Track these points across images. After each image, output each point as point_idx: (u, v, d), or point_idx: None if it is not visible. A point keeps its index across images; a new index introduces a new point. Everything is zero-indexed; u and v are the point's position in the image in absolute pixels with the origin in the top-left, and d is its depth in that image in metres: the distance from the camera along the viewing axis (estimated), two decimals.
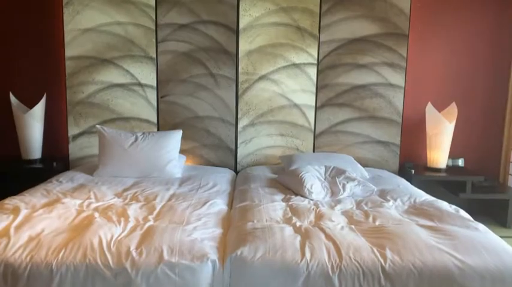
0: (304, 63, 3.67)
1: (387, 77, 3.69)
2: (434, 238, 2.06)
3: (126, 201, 2.60)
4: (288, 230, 2.12)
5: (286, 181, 2.98)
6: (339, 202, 2.68)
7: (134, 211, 2.39)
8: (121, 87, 3.64)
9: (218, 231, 2.17)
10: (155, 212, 2.38)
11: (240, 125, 3.70)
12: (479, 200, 3.59)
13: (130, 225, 2.17)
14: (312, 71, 3.68)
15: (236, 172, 3.69)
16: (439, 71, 3.86)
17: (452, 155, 3.77)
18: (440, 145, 3.63)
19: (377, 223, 2.28)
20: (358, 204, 2.66)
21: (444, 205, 2.56)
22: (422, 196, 2.76)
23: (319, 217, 2.35)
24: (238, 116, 3.69)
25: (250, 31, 3.60)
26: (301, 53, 3.65)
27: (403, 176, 3.55)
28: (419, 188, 3.13)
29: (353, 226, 2.24)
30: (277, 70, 3.67)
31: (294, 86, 3.69)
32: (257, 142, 3.74)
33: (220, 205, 2.59)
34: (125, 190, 2.81)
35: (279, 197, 2.75)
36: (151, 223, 2.21)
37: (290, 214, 2.40)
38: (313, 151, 3.78)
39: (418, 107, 3.84)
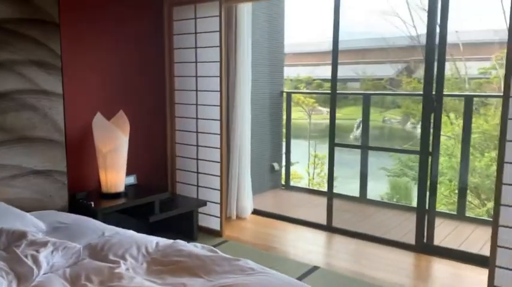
0: None
1: (38, 81, 2.62)
2: None
3: None
4: None
5: None
6: None
7: None
8: None
9: None
10: None
11: None
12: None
13: None
14: None
15: None
16: (103, 73, 3.11)
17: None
18: (117, 163, 2.96)
19: None
20: (74, 284, 1.68)
21: (189, 246, 2.00)
22: (151, 240, 2.07)
23: None
24: None
25: None
26: None
27: (78, 212, 2.68)
28: (106, 222, 2.47)
29: None
30: None
31: None
32: None
33: None
34: None
35: None
36: None
37: None
38: None
39: (84, 120, 2.98)
